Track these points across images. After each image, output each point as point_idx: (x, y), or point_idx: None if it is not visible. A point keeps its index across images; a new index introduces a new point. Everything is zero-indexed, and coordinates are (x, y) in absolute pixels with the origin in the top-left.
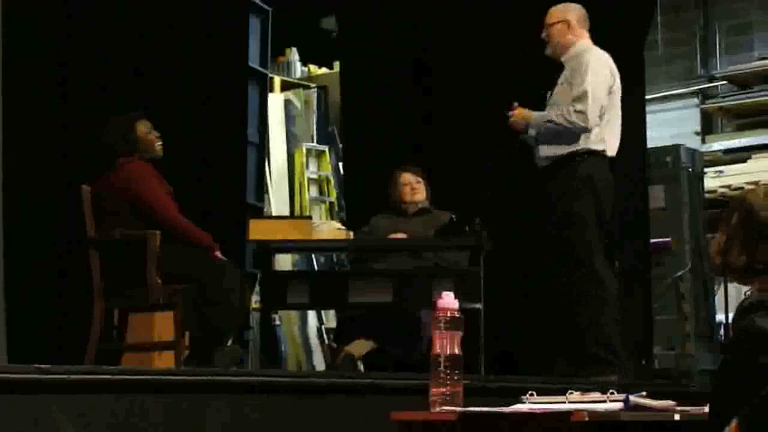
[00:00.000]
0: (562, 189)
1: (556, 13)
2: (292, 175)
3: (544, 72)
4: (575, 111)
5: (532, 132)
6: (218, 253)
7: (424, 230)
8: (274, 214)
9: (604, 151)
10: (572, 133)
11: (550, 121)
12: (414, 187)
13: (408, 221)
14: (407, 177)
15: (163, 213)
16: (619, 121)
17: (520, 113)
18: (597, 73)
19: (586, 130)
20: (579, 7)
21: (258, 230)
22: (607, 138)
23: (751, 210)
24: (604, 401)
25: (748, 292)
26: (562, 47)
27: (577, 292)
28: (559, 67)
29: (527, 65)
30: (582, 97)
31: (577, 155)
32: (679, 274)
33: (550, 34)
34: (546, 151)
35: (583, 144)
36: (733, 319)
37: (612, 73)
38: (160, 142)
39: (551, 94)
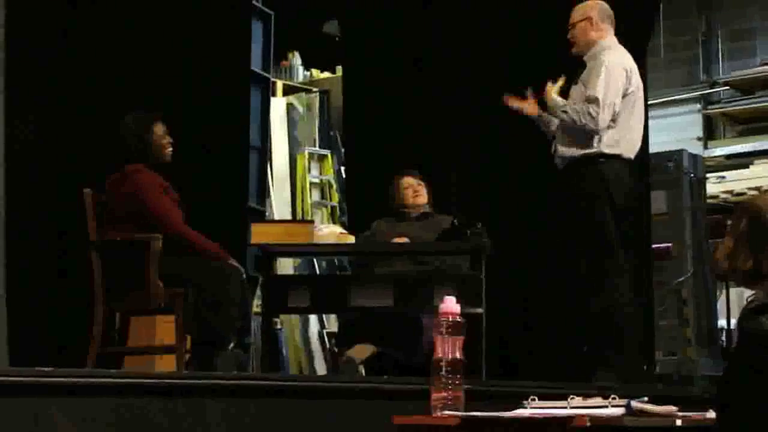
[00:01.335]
0: (577, 192)
1: (579, 11)
2: (294, 179)
3: (548, 76)
4: (587, 112)
5: (552, 126)
6: (232, 261)
7: (426, 234)
8: (275, 218)
9: (619, 154)
10: (582, 131)
11: (564, 112)
12: (416, 190)
13: (410, 225)
14: (409, 180)
15: (171, 226)
16: (640, 124)
17: (548, 92)
18: (611, 75)
19: (595, 132)
20: (602, 3)
21: (260, 234)
22: (621, 141)
23: (760, 214)
24: (606, 406)
25: (751, 297)
26: (586, 45)
27: (588, 296)
28: (570, 66)
29: (531, 69)
30: (593, 101)
31: (591, 158)
32: (681, 279)
33: (575, 33)
34: (562, 151)
35: (596, 147)
36: (738, 320)
37: (628, 75)
38: (171, 149)
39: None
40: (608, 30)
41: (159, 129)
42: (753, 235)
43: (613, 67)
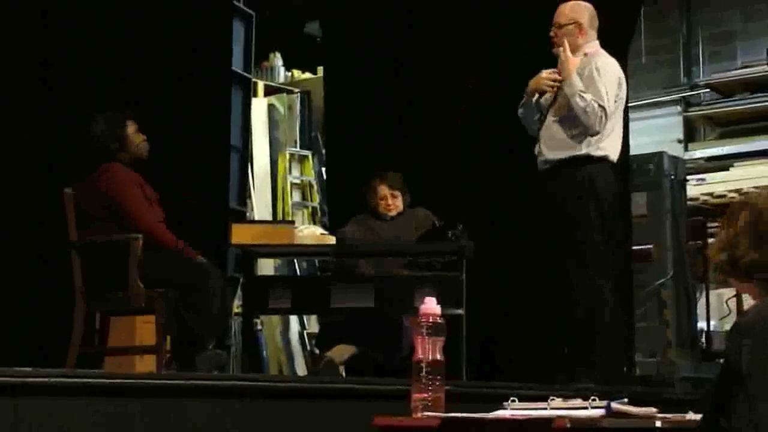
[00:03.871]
0: (562, 192)
1: (567, 12)
2: (275, 179)
3: (525, 76)
4: (600, 115)
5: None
6: (192, 251)
7: (404, 233)
8: (256, 218)
9: (605, 156)
10: (577, 132)
11: (582, 98)
12: (389, 203)
13: (384, 224)
14: (384, 190)
15: (141, 223)
16: (620, 130)
17: (571, 61)
18: (608, 82)
19: (592, 132)
20: (590, 7)
21: (240, 235)
22: (604, 145)
23: (761, 210)
24: (586, 408)
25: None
26: (571, 49)
27: (571, 296)
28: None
29: (509, 69)
30: (602, 107)
31: (578, 160)
32: (661, 281)
33: (559, 34)
34: (548, 154)
35: (585, 150)
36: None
37: (620, 83)
38: (147, 145)
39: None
40: (593, 35)
41: (132, 128)
42: (754, 230)
43: (609, 75)
